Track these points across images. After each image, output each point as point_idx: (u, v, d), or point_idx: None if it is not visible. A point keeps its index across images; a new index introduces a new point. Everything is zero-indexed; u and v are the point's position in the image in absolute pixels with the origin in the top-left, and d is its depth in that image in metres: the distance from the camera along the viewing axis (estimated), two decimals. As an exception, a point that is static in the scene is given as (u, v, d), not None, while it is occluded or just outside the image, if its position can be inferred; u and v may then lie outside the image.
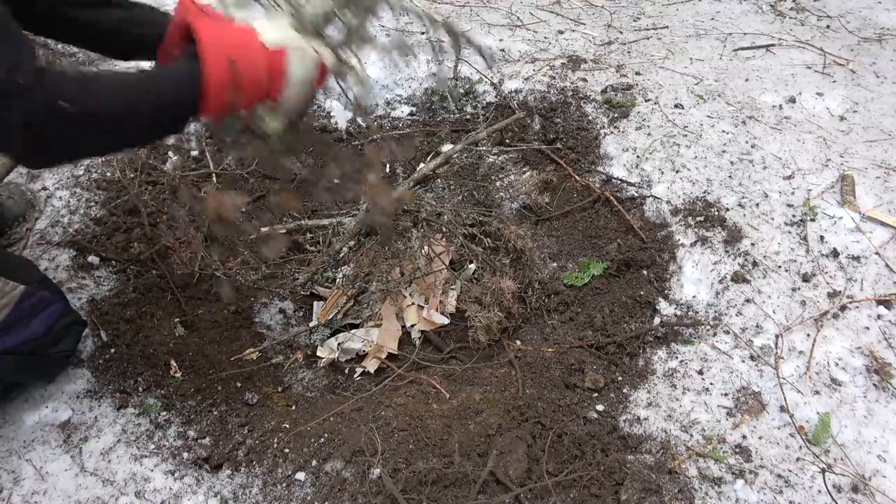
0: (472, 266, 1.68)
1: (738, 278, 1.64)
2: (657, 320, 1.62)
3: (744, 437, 1.36)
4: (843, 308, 1.57)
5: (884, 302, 1.58)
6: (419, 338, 1.64)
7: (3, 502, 1.21)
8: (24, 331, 1.24)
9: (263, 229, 1.83)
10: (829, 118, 2.15)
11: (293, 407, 1.45)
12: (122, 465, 1.29)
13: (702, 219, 1.78)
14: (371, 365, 1.55)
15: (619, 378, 1.51)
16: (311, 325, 1.57)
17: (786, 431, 1.37)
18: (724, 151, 1.99)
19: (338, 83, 1.18)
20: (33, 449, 1.29)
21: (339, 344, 1.58)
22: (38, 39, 1.65)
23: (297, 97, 1.01)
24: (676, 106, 2.17)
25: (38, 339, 1.27)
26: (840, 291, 1.60)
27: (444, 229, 1.62)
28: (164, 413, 1.39)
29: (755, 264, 1.67)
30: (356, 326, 1.66)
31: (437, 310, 1.65)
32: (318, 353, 1.58)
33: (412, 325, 1.65)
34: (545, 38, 2.53)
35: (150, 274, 1.66)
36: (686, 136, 2.05)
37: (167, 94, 0.93)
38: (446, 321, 1.65)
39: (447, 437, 1.35)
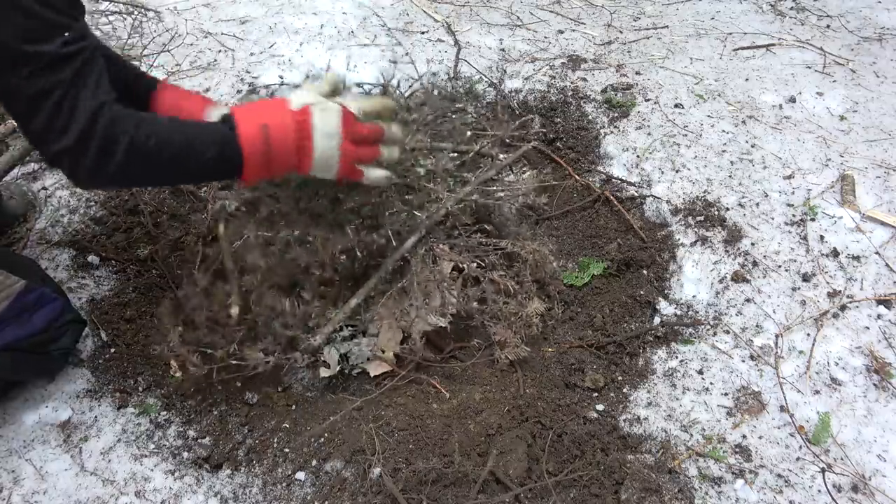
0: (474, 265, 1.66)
1: (738, 278, 1.64)
2: (657, 320, 1.62)
3: (744, 436, 1.36)
4: (843, 308, 1.57)
5: (884, 301, 1.58)
6: (420, 338, 1.63)
7: (4, 502, 1.21)
8: (23, 326, 1.24)
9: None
10: (829, 118, 2.15)
11: (293, 407, 1.45)
12: (122, 465, 1.29)
13: (702, 218, 1.78)
14: (375, 369, 1.54)
15: (619, 378, 1.51)
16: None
17: (786, 431, 1.37)
18: (724, 151, 1.99)
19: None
20: (33, 448, 1.29)
21: (342, 355, 1.56)
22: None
23: (324, 152, 1.07)
24: (676, 105, 2.17)
25: (38, 335, 1.27)
26: (840, 291, 1.61)
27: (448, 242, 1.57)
28: (164, 413, 1.39)
29: (755, 264, 1.67)
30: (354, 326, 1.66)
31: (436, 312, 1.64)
32: (321, 372, 1.56)
33: (412, 326, 1.63)
34: (545, 37, 2.53)
35: (150, 274, 1.66)
36: (686, 135, 2.05)
37: (207, 154, 1.03)
38: (445, 322, 1.65)
39: (447, 437, 1.35)
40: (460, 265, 1.49)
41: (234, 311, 1.36)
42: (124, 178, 1.03)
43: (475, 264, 1.56)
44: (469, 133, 1.58)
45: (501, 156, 1.59)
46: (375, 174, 1.16)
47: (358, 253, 1.35)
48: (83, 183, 1.05)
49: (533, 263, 1.61)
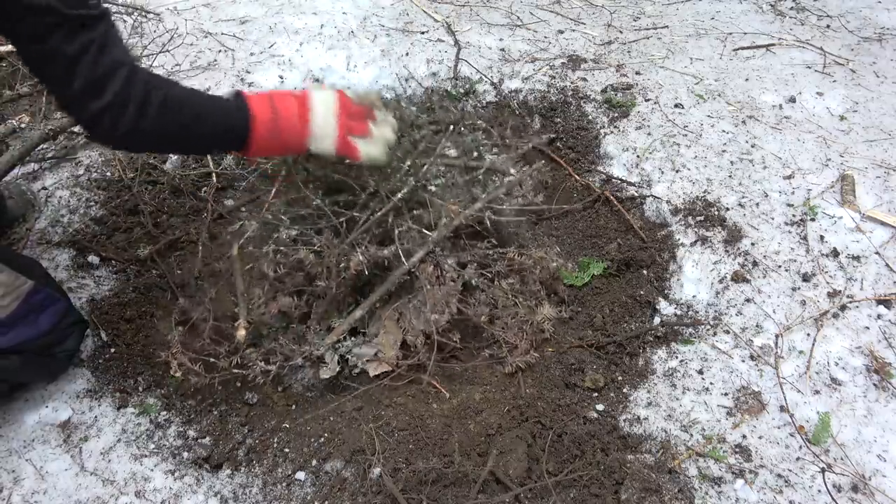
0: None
1: (738, 278, 1.64)
2: (657, 320, 1.62)
3: (744, 436, 1.36)
4: (843, 308, 1.57)
5: (884, 301, 1.58)
6: (421, 340, 1.62)
7: (4, 502, 1.21)
8: (32, 327, 1.25)
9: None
10: (829, 118, 2.15)
11: (293, 407, 1.45)
12: (122, 465, 1.29)
13: (702, 218, 1.78)
14: (374, 369, 1.54)
15: (619, 378, 1.51)
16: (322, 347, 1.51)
17: (786, 431, 1.37)
18: (724, 151, 1.99)
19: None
20: (33, 448, 1.29)
21: (341, 356, 1.55)
22: None
23: (323, 118, 1.18)
24: (676, 105, 2.17)
25: (45, 336, 1.27)
26: (840, 291, 1.61)
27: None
28: (164, 413, 1.39)
29: (755, 264, 1.67)
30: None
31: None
32: (321, 372, 1.55)
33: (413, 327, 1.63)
34: (545, 37, 2.53)
35: (150, 274, 1.66)
36: (686, 135, 2.05)
37: (220, 123, 1.15)
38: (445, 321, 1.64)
39: (447, 437, 1.35)
40: (467, 278, 1.48)
41: (241, 333, 1.37)
42: (155, 136, 1.09)
43: (482, 277, 1.54)
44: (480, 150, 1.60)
45: (513, 171, 1.60)
46: (371, 150, 1.25)
47: (365, 266, 1.37)
48: (119, 141, 1.09)
49: (539, 269, 1.61)
